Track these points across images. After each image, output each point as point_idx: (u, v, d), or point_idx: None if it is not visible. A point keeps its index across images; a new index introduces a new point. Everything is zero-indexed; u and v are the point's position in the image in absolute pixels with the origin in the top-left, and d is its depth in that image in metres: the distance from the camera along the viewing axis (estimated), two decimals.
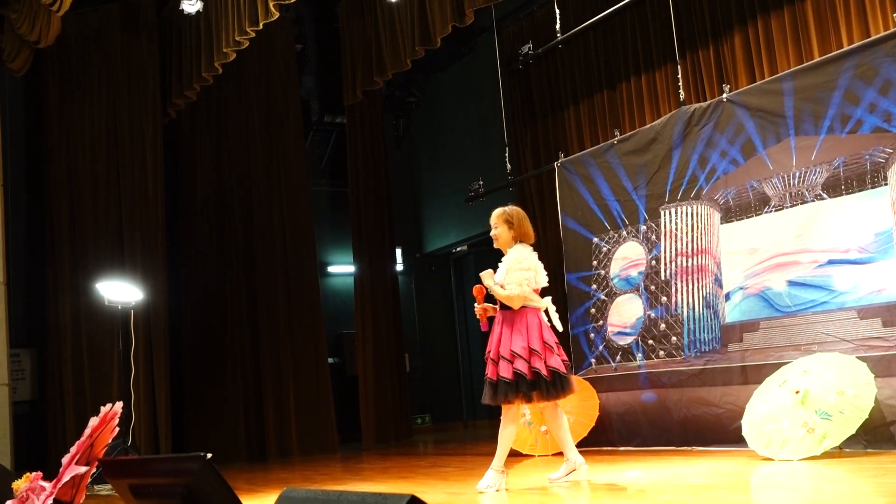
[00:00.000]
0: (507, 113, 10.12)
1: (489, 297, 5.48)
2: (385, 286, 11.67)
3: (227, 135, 10.97)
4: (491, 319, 5.50)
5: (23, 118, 10.19)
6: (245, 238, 10.79)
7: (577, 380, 7.91)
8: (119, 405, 3.30)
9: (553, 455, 7.58)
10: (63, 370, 9.48)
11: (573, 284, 8.54)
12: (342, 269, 12.93)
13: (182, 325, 10.46)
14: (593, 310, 8.26)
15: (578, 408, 7.79)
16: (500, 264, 5.47)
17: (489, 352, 5.35)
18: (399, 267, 12.98)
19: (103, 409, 3.29)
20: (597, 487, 5.25)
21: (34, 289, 9.83)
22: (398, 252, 12.91)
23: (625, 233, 8.03)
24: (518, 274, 5.33)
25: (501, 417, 5.41)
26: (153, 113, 10.13)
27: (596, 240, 8.30)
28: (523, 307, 5.31)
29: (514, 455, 7.67)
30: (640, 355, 7.75)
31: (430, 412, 13.29)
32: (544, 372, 5.20)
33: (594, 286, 8.27)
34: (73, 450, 3.17)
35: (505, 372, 5.22)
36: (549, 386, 5.22)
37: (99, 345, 9.51)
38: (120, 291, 8.40)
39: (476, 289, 5.42)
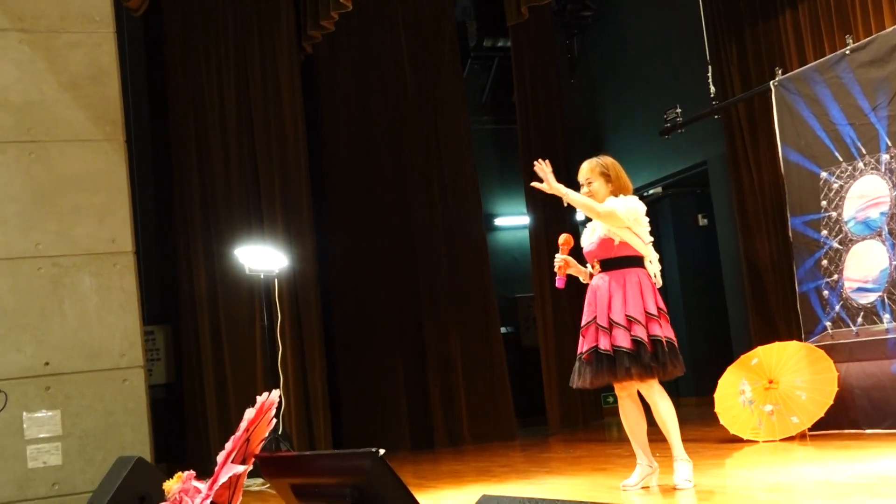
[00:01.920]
0: (708, 22, 9.88)
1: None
2: None
3: (372, 69, 11.11)
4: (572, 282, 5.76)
5: (144, 65, 10.60)
6: (397, 189, 10.94)
7: (809, 348, 7.73)
8: (276, 394, 3.40)
9: (781, 440, 7.41)
10: (201, 349, 9.87)
11: (798, 231, 8.28)
12: (512, 220, 12.96)
13: (331, 295, 10.73)
14: (825, 261, 8.00)
15: (812, 382, 7.58)
16: (586, 229, 5.69)
17: (593, 318, 5.39)
18: (580, 216, 12.88)
19: (259, 399, 3.39)
20: (836, 484, 5.09)
21: (165, 257, 10.28)
22: None
23: (861, 164, 7.73)
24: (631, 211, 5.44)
25: (622, 401, 5.60)
26: (288, 49, 10.35)
27: (825, 174, 8.03)
28: (629, 266, 5.41)
29: (735, 441, 7.55)
30: (887, 316, 7.47)
31: None
32: (665, 341, 5.28)
33: (824, 232, 8.01)
34: (228, 446, 3.30)
35: (623, 341, 5.24)
36: (667, 359, 5.26)
37: (240, 320, 9.86)
38: (261, 257, 8.66)
39: (565, 238, 5.62)
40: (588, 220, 5.70)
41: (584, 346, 5.42)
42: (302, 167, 10.30)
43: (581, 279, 5.70)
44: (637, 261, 5.46)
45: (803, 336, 8.11)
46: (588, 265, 5.66)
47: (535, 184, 5.59)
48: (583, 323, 5.50)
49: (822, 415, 7.44)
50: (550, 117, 11.75)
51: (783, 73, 8.60)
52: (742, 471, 6.15)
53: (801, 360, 7.71)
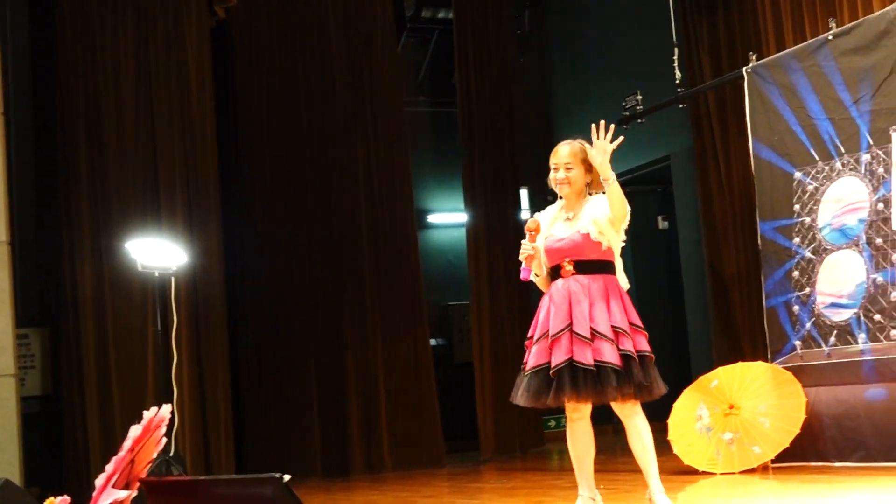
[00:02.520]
0: (676, 0, 9.99)
1: None
2: (507, 241, 11.65)
3: (294, 39, 11.10)
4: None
5: (26, 29, 10.44)
6: (319, 178, 10.94)
7: (776, 370, 7.89)
8: (167, 410, 3.44)
9: (741, 472, 7.56)
10: (84, 356, 9.78)
11: (768, 238, 8.42)
12: (448, 218, 13.02)
13: (239, 298, 10.71)
14: (796, 273, 8.15)
15: (777, 408, 7.73)
16: (554, 223, 5.58)
17: (566, 326, 5.31)
18: (526, 214, 12.99)
19: (147, 415, 3.42)
20: None
21: (45, 251, 10.17)
22: (524, 194, 12.92)
23: (839, 164, 7.87)
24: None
25: (574, 424, 5.55)
26: (197, 13, 10.28)
27: (798, 175, 8.17)
28: (609, 272, 5.48)
29: (689, 473, 7.68)
30: (862, 336, 7.61)
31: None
32: (651, 357, 5.34)
33: (797, 239, 8.16)
34: (109, 468, 3.32)
35: (610, 356, 5.23)
36: (657, 376, 5.35)
37: (130, 324, 9.79)
38: (157, 253, 8.63)
39: (536, 223, 5.57)
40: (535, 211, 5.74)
41: (544, 357, 5.33)
42: (209, 150, 10.25)
43: (537, 279, 5.63)
44: (613, 267, 5.51)
45: (770, 356, 8.25)
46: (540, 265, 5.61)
47: (600, 141, 5.38)
48: (545, 331, 5.40)
49: (787, 445, 7.56)
50: (496, 101, 11.81)
51: (758, 59, 8.73)
52: None
53: (766, 384, 7.86)
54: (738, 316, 9.64)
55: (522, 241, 5.53)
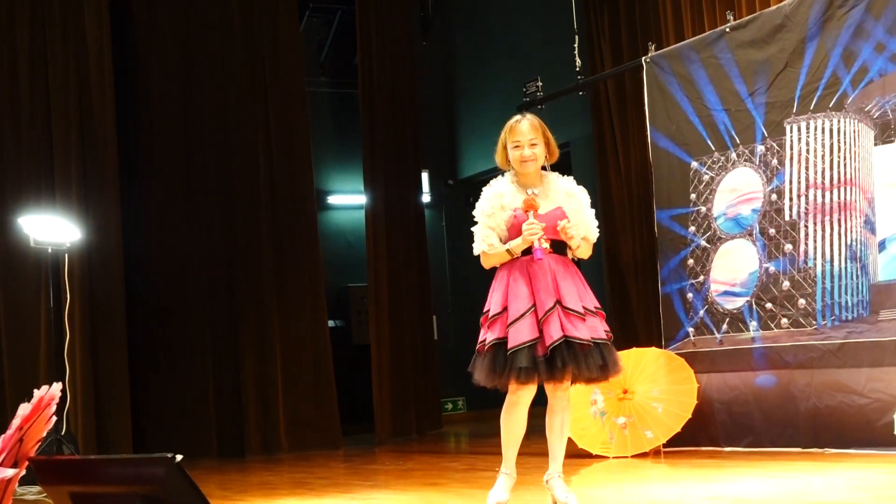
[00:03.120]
0: None
1: None
2: (407, 223, 11.69)
3: (196, 15, 10.95)
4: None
5: None
6: (220, 157, 10.83)
7: (669, 356, 8.00)
8: (57, 388, 3.36)
9: (633, 456, 7.65)
10: None
11: (664, 226, 8.53)
12: (349, 199, 12.97)
13: (135, 275, 10.56)
14: (691, 261, 8.26)
15: (670, 393, 7.83)
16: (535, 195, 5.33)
17: (555, 303, 5.15)
18: (426, 198, 13.00)
19: (37, 393, 3.35)
20: None
21: None
22: (425, 177, 12.91)
23: (734, 155, 8.00)
24: (592, 220, 5.43)
25: (519, 405, 5.31)
26: None
27: (695, 164, 8.28)
28: (564, 254, 5.38)
29: (582, 456, 7.75)
30: (754, 324, 7.75)
31: (466, 395, 13.40)
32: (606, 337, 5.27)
33: (692, 228, 8.26)
34: None
35: (579, 331, 5.13)
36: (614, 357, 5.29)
37: (21, 300, 9.59)
38: (50, 229, 8.48)
39: (533, 200, 5.26)
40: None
41: (531, 334, 5.11)
42: (108, 124, 10.09)
43: (493, 251, 5.35)
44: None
45: (664, 342, 8.37)
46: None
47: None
48: (529, 305, 5.16)
49: (678, 429, 7.68)
50: (398, 83, 11.78)
51: (657, 49, 8.82)
52: (589, 489, 6.33)
53: (659, 369, 7.96)
54: (633, 302, 9.74)
55: (528, 222, 5.17)
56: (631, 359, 8.05)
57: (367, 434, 11.32)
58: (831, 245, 7.34)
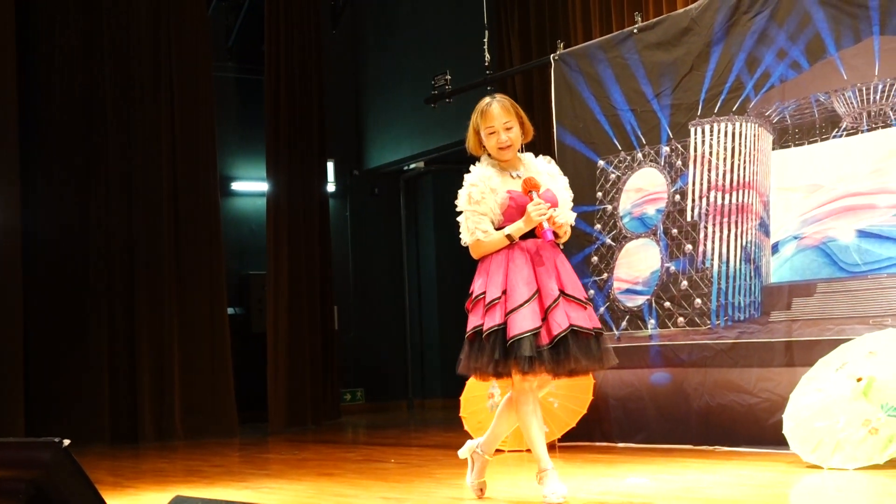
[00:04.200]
0: None
1: None
2: (310, 212, 11.67)
3: None
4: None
5: None
6: (123, 140, 10.72)
7: None
8: None
9: (528, 451, 7.68)
10: None
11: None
12: (252, 186, 12.89)
13: (33, 254, 10.39)
14: (595, 258, 8.32)
15: (566, 389, 7.88)
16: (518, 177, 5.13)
17: (560, 290, 4.96)
18: (331, 187, 12.96)
19: None
20: (579, 501, 5.35)
21: None
22: (330, 166, 12.89)
23: (640, 155, 8.07)
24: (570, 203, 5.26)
25: (532, 393, 5.03)
26: None
27: (602, 163, 8.34)
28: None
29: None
30: (652, 322, 7.84)
31: (365, 386, 13.39)
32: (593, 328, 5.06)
33: (598, 226, 8.33)
34: None
35: (583, 320, 4.96)
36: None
37: None
38: None
39: (535, 181, 5.04)
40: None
41: (533, 322, 4.86)
42: (10, 103, 9.97)
43: (488, 237, 5.09)
44: None
45: None
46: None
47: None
48: (532, 292, 4.93)
49: (573, 425, 7.75)
50: (305, 72, 11.76)
51: (565, 47, 8.87)
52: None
53: None
54: None
55: (535, 202, 4.93)
56: None
57: (264, 423, 11.29)
58: (727, 246, 7.45)
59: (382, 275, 13.65)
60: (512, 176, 5.12)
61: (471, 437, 7.70)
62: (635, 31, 8.16)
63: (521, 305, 4.90)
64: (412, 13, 12.79)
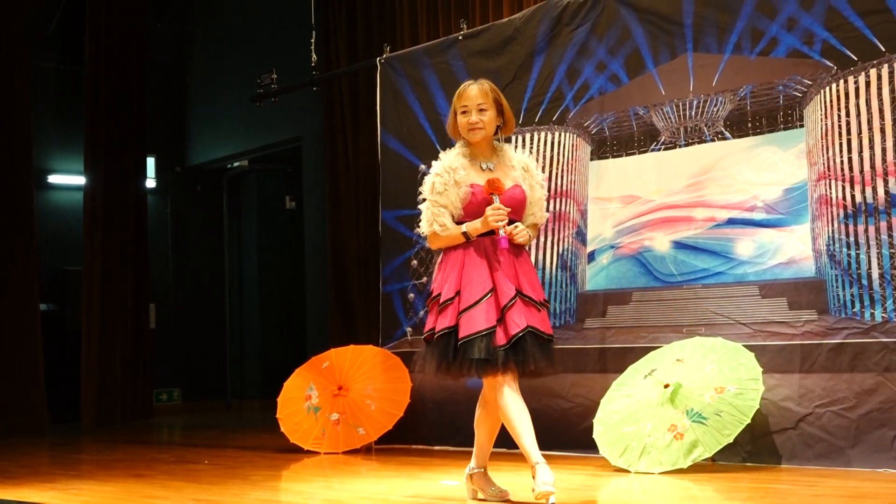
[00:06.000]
0: None
1: None
2: (127, 208, 11.51)
3: None
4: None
5: None
6: None
7: (386, 354, 8.10)
8: None
9: (345, 452, 7.71)
10: None
11: (390, 226, 8.63)
12: (70, 179, 12.58)
13: None
14: (415, 262, 8.37)
15: (384, 391, 7.93)
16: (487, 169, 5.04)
17: (517, 291, 4.88)
18: (151, 183, 12.74)
19: None
20: (392, 503, 5.39)
21: None
22: (151, 162, 12.68)
23: None
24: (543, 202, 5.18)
25: (511, 389, 4.89)
26: None
27: (424, 167, 8.37)
28: None
29: (294, 451, 7.77)
30: None
31: (181, 386, 13.22)
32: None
33: (417, 230, 8.36)
34: None
35: (542, 323, 4.92)
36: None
37: None
38: None
39: (495, 184, 4.92)
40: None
41: (488, 321, 4.78)
42: None
43: (444, 232, 5.05)
44: None
45: (381, 341, 8.47)
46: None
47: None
48: (486, 290, 4.84)
49: (390, 427, 7.81)
50: (127, 65, 11.58)
51: (392, 51, 8.91)
52: (298, 484, 6.36)
53: (375, 367, 8.05)
54: (355, 299, 9.79)
55: (493, 207, 4.84)
56: (348, 356, 8.14)
57: (76, 422, 11.06)
58: (543, 253, 7.59)
59: (203, 273, 13.48)
60: (482, 167, 5.03)
61: (287, 439, 7.73)
62: (460, 38, 8.25)
63: (472, 306, 4.84)
64: (239, 10, 12.67)
